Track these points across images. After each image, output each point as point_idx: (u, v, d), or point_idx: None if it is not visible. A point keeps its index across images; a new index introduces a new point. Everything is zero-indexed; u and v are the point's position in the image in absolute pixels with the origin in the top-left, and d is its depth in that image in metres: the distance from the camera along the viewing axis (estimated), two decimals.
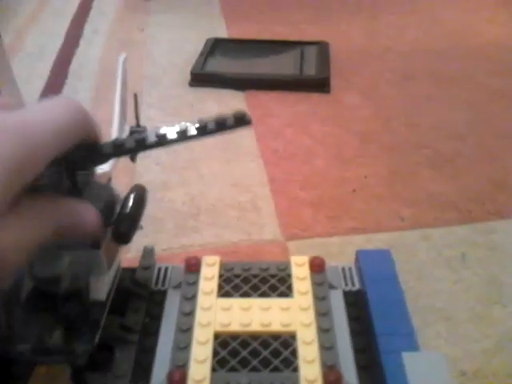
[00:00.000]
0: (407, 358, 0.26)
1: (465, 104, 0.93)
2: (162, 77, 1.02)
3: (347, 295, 0.30)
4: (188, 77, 0.99)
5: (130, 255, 0.60)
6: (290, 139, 0.83)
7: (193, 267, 0.30)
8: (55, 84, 1.00)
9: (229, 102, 0.94)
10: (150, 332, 0.28)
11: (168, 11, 1.35)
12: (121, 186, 0.72)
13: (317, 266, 0.31)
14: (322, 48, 1.07)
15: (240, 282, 0.30)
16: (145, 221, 0.67)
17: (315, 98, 0.95)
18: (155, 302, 0.30)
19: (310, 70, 1.00)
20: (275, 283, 0.30)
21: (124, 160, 0.80)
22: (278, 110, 0.91)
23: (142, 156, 0.80)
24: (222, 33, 1.21)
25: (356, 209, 0.69)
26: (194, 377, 0.24)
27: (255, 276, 0.30)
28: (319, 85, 0.95)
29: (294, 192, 0.72)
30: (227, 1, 1.42)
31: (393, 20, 1.29)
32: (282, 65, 1.02)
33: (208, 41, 1.10)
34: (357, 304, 0.30)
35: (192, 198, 0.71)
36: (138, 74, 1.03)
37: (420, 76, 1.03)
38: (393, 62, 1.08)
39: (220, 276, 0.30)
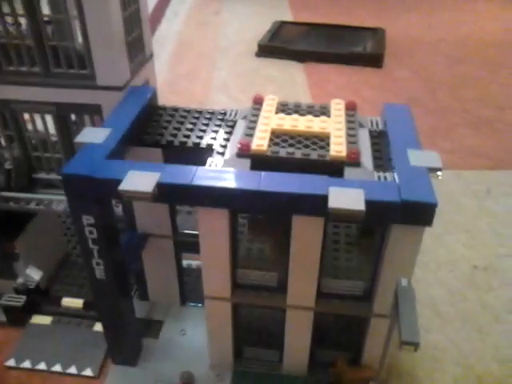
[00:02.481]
0: (410, 152, 0.35)
1: (508, 84, 0.99)
2: (233, 48, 1.15)
3: (372, 132, 0.40)
4: (255, 50, 1.12)
5: None
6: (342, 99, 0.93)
7: (258, 100, 0.41)
8: None
9: (289, 70, 1.05)
10: (225, 138, 0.39)
11: (241, 2, 1.49)
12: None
13: (350, 105, 0.40)
14: (379, 32, 1.17)
15: (292, 111, 0.40)
16: None
17: (368, 71, 1.04)
18: (229, 126, 0.41)
19: (365, 47, 1.10)
20: (318, 113, 0.40)
21: (196, 103, 0.92)
22: (333, 77, 1.01)
23: (211, 102, 0.92)
24: (288, 19, 1.33)
25: None
26: (256, 144, 0.35)
27: (303, 109, 0.40)
28: (373, 60, 1.05)
29: None
30: None
31: (449, 16, 1.37)
32: (341, 43, 1.13)
33: (275, 22, 1.22)
34: (379, 137, 0.39)
35: None
36: (212, 46, 1.17)
37: (469, 61, 1.10)
38: (445, 50, 1.16)
39: (277, 107, 0.40)
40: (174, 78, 1.00)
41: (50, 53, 0.41)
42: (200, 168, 0.33)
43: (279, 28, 1.20)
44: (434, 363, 0.46)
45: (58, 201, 0.46)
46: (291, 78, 1.01)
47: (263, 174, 0.32)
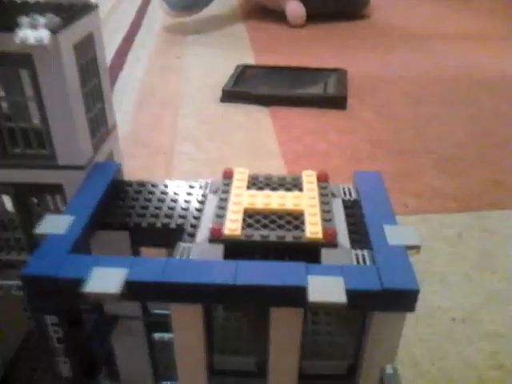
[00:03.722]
0: (387, 228, 0.34)
1: (468, 121, 1.02)
2: (196, 94, 1.15)
3: (346, 202, 0.39)
4: (219, 95, 1.12)
5: None
6: (308, 144, 0.93)
7: (228, 174, 0.40)
8: None
9: (255, 115, 1.05)
10: (196, 217, 0.37)
11: (203, 45, 1.50)
12: (159, 177, 0.82)
13: (322, 176, 0.40)
14: (341, 74, 1.19)
15: (263, 185, 0.39)
16: None
17: (333, 113, 1.05)
18: (199, 201, 0.39)
19: (329, 90, 1.11)
20: (290, 186, 0.39)
21: (162, 154, 0.91)
22: (299, 122, 1.02)
23: (177, 152, 0.91)
24: (251, 62, 1.34)
25: None
26: (229, 228, 0.33)
27: (275, 182, 0.39)
28: (337, 102, 1.06)
29: None
30: (256, 37, 1.57)
31: (406, 54, 1.41)
32: (304, 86, 1.14)
33: (238, 66, 1.23)
34: (353, 208, 0.39)
35: None
36: (175, 92, 1.16)
37: (429, 99, 1.13)
38: (404, 88, 1.19)
39: (248, 181, 0.39)
40: (137, 128, 0.99)
41: (6, 133, 0.39)
42: (170, 260, 0.31)
43: (242, 72, 1.20)
44: None
45: (18, 285, 0.43)
46: (257, 124, 1.01)
47: (237, 264, 0.30)
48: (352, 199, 0.40)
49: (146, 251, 0.41)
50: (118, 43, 1.51)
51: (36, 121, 0.40)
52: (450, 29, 1.66)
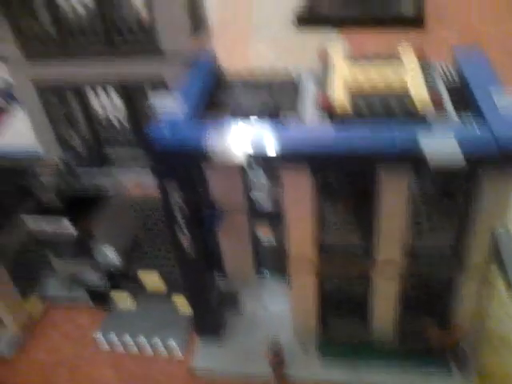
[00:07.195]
0: (495, 96, 0.33)
1: None
2: (270, 20, 1.14)
3: (444, 76, 0.39)
4: (292, 20, 1.10)
5: None
6: None
7: (323, 54, 0.40)
8: None
9: (327, 37, 1.03)
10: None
11: None
12: None
13: (420, 51, 0.39)
14: None
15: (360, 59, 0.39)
16: None
17: (411, 33, 1.02)
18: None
19: (407, 10, 1.08)
20: (388, 61, 0.38)
21: None
22: (374, 42, 0.99)
23: None
24: None
25: None
26: (335, 99, 0.34)
27: (371, 57, 0.39)
28: (414, 22, 1.03)
29: None
30: None
31: None
32: (381, 6, 1.11)
33: None
34: (454, 81, 0.38)
35: None
36: (246, 19, 1.16)
37: None
38: (488, 6, 1.12)
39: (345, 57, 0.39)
40: None
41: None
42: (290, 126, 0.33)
43: None
44: None
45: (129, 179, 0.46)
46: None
47: (349, 127, 0.31)
48: (452, 74, 0.39)
49: None
50: None
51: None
52: None
